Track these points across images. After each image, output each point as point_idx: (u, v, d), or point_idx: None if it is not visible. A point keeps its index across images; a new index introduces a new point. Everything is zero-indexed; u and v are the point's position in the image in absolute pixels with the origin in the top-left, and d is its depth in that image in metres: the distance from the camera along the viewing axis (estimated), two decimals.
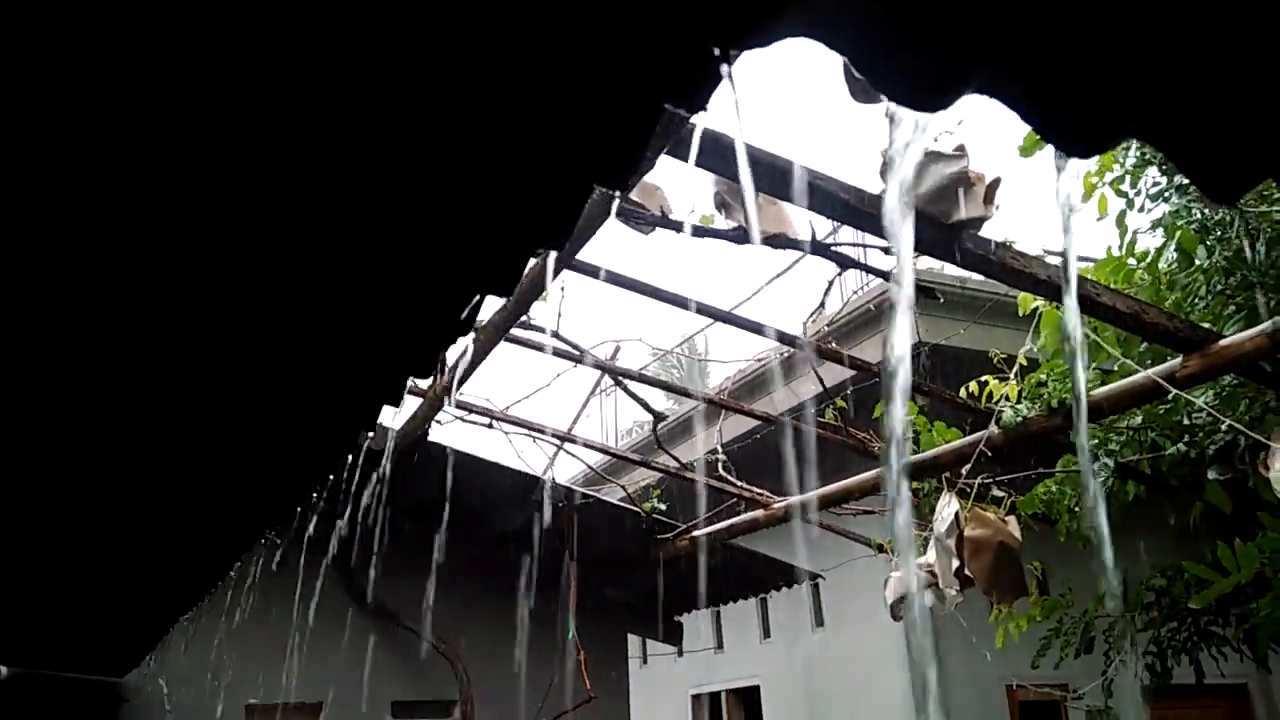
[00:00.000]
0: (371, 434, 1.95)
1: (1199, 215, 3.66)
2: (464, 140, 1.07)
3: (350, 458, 2.12)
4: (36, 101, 0.98)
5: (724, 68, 0.71)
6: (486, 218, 1.19)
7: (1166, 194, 3.83)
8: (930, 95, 0.68)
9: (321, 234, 1.23)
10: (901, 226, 0.99)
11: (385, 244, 1.24)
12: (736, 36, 0.69)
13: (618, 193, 2.43)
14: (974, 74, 0.67)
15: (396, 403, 1.74)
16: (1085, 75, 0.71)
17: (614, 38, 0.79)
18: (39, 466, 2.26)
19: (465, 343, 3.71)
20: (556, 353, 4.28)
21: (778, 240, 3.05)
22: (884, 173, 2.63)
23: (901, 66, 0.68)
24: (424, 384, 4.26)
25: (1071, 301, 2.20)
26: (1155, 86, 0.76)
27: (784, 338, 3.97)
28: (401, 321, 1.42)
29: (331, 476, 2.37)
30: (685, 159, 2.22)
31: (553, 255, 2.73)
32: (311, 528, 4.31)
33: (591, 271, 3.44)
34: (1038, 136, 0.77)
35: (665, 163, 2.15)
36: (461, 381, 4.06)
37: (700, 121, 2.09)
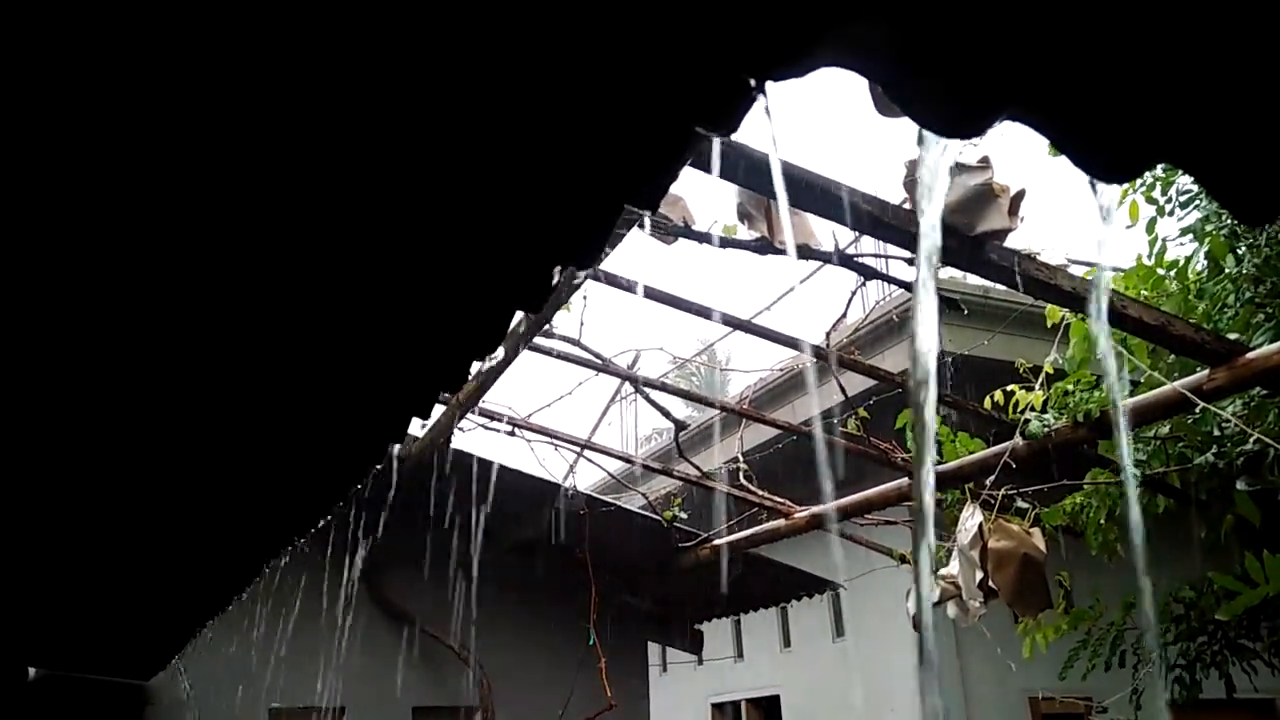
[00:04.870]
0: (398, 444, 1.97)
1: (1229, 221, 3.63)
2: (497, 159, 1.09)
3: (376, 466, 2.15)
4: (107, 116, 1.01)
5: (759, 97, 0.73)
6: (519, 236, 1.21)
7: (1197, 200, 3.79)
8: (962, 124, 0.69)
9: (359, 250, 1.26)
10: (932, 253, 1.00)
11: (421, 261, 1.26)
12: (772, 67, 0.70)
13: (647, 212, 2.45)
14: (1006, 105, 0.68)
15: (425, 415, 1.76)
16: (1115, 104, 0.71)
17: (651, 67, 0.81)
18: (71, 473, 2.31)
19: (492, 355, 3.74)
20: (578, 361, 4.30)
21: (801, 251, 3.06)
22: (909, 187, 2.63)
23: (935, 97, 0.69)
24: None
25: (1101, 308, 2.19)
26: (1185, 113, 0.76)
27: (806, 347, 3.97)
28: (434, 336, 1.44)
29: (358, 486, 2.40)
30: (709, 170, 2.23)
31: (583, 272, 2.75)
32: (336, 535, 4.35)
33: (613, 280, 3.46)
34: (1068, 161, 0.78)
35: (687, 173, 2.15)
36: (484, 390, 4.09)
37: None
